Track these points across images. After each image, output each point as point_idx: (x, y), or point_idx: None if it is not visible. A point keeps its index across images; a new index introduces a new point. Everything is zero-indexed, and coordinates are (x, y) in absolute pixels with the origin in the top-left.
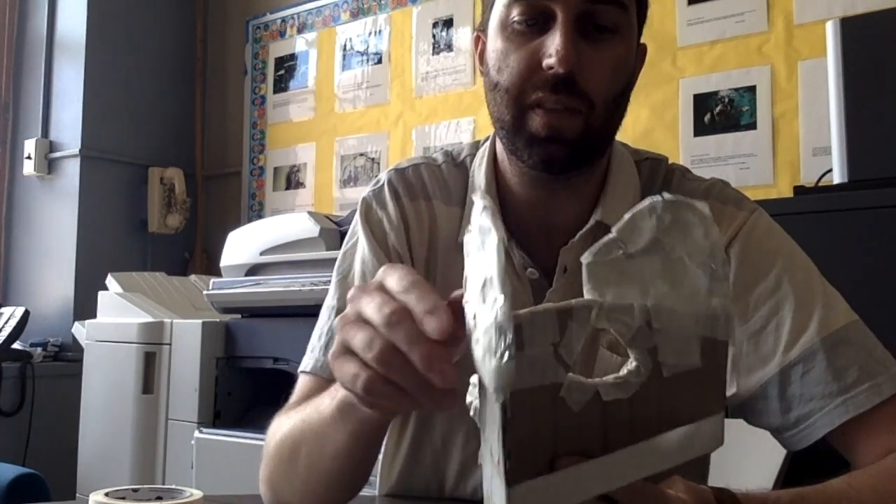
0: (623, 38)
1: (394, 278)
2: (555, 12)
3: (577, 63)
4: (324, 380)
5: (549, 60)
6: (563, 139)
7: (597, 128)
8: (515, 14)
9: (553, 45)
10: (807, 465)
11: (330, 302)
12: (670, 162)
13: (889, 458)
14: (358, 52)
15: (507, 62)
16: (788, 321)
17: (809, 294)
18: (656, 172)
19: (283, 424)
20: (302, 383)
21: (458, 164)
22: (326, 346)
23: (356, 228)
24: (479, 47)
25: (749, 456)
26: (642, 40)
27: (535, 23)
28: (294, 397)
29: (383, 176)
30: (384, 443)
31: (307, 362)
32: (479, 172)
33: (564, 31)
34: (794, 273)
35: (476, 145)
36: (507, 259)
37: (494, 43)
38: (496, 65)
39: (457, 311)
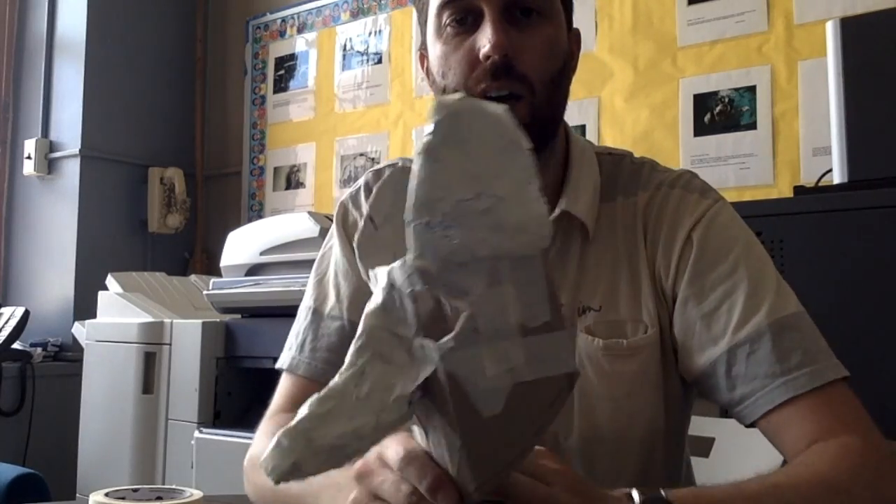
0: (551, 20)
1: (392, 453)
2: (481, 8)
3: (510, 48)
4: (302, 379)
5: (485, 50)
6: None
7: (541, 109)
8: (446, 17)
9: (485, 36)
10: None
11: (307, 303)
12: (637, 155)
13: (805, 453)
14: (358, 52)
15: (448, 64)
16: (741, 303)
17: (764, 281)
18: (620, 165)
19: None
20: (284, 383)
21: None
22: (302, 346)
23: (332, 232)
24: (425, 65)
25: (749, 456)
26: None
27: (465, 21)
28: (278, 399)
29: (361, 179)
30: None
31: (284, 359)
32: None
33: (493, 20)
34: (751, 260)
35: None
36: None
37: (434, 51)
38: (440, 70)
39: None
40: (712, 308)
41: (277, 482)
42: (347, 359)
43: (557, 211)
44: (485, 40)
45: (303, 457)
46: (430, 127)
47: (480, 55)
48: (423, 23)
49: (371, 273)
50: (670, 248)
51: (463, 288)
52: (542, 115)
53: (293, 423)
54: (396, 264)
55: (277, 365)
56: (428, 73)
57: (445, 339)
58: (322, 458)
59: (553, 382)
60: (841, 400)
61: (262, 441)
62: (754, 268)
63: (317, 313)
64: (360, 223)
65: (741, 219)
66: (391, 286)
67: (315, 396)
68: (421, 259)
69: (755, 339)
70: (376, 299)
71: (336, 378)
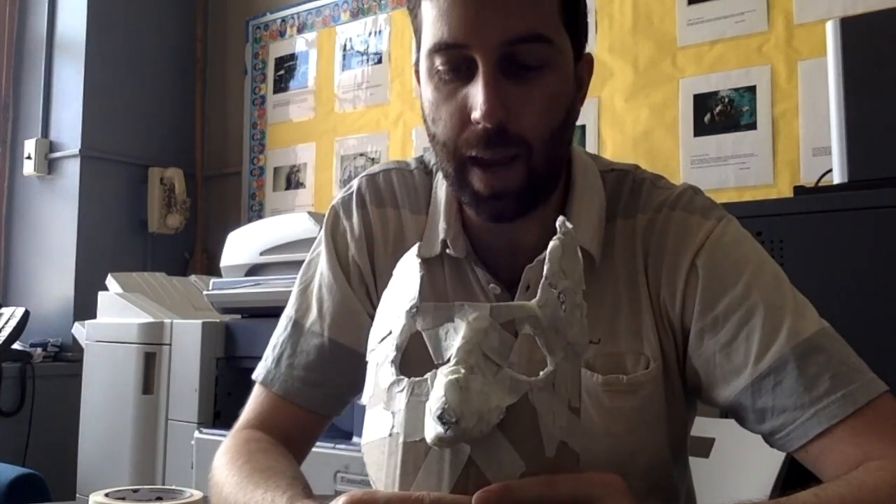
0: (553, 70)
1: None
2: (476, 60)
3: (504, 112)
4: (276, 396)
5: (476, 115)
6: (506, 194)
7: (540, 168)
8: (438, 63)
9: (477, 97)
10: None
11: (289, 312)
12: (643, 170)
13: (859, 469)
14: (358, 52)
15: (439, 114)
16: (758, 331)
17: (779, 302)
18: (623, 183)
19: (227, 482)
20: (256, 396)
21: (427, 172)
22: (279, 360)
23: (321, 239)
24: (420, 83)
25: (749, 456)
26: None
27: (459, 70)
28: (249, 413)
29: (355, 182)
30: None
31: (260, 371)
32: (441, 185)
33: (486, 80)
34: (763, 281)
35: None
36: (469, 274)
37: (426, 90)
38: (430, 115)
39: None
40: (729, 338)
41: (446, 437)
42: (455, 355)
43: None
44: (477, 102)
45: (466, 410)
46: (565, 232)
47: (472, 117)
48: (417, 40)
49: (458, 304)
50: (674, 277)
51: (552, 348)
52: (539, 173)
53: (451, 377)
54: (515, 304)
55: (254, 375)
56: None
57: (534, 378)
58: (475, 421)
59: (574, 455)
60: (883, 416)
61: (224, 457)
62: (767, 288)
63: (297, 326)
64: (349, 235)
65: (749, 235)
66: (493, 317)
67: (449, 376)
68: (542, 309)
69: (779, 368)
70: (476, 323)
71: (452, 367)
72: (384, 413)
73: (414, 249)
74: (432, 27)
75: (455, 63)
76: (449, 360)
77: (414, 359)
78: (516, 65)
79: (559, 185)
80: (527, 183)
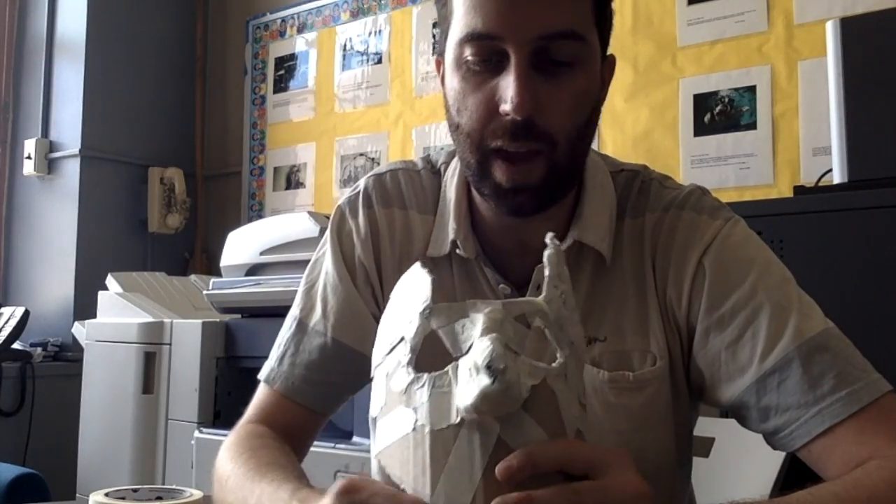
0: (584, 69)
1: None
2: (508, 52)
3: (533, 106)
4: (278, 394)
5: (505, 107)
6: (528, 188)
7: (561, 165)
8: (468, 53)
9: (508, 89)
10: (807, 465)
11: (294, 311)
12: (651, 170)
13: (857, 469)
14: (358, 52)
15: (465, 104)
16: (764, 330)
17: (785, 302)
18: (632, 184)
19: (232, 474)
20: (260, 393)
21: (434, 172)
22: (282, 359)
23: (326, 239)
24: (441, 72)
25: (749, 456)
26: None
27: (489, 62)
28: (252, 409)
29: (361, 182)
30: None
31: (265, 368)
32: (450, 185)
33: (518, 73)
34: (770, 281)
35: (453, 153)
36: (478, 275)
37: (451, 80)
38: (455, 105)
39: None
40: (735, 337)
41: (492, 390)
42: (478, 337)
43: (570, 240)
44: (507, 95)
45: (510, 362)
46: (555, 246)
47: (500, 109)
48: (443, 31)
49: (469, 302)
50: (681, 276)
51: (560, 343)
52: (561, 169)
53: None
54: (524, 300)
55: (260, 375)
56: (444, 81)
57: (550, 366)
58: (517, 377)
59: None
60: (887, 416)
61: (228, 451)
62: (773, 288)
63: (301, 325)
64: (354, 235)
65: (756, 235)
66: (507, 312)
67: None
68: (549, 304)
69: (783, 367)
70: (492, 314)
71: (484, 346)
72: (404, 411)
73: (417, 265)
74: (465, 17)
75: (486, 54)
76: (469, 350)
77: (425, 362)
78: (548, 60)
79: (576, 183)
80: (547, 178)
